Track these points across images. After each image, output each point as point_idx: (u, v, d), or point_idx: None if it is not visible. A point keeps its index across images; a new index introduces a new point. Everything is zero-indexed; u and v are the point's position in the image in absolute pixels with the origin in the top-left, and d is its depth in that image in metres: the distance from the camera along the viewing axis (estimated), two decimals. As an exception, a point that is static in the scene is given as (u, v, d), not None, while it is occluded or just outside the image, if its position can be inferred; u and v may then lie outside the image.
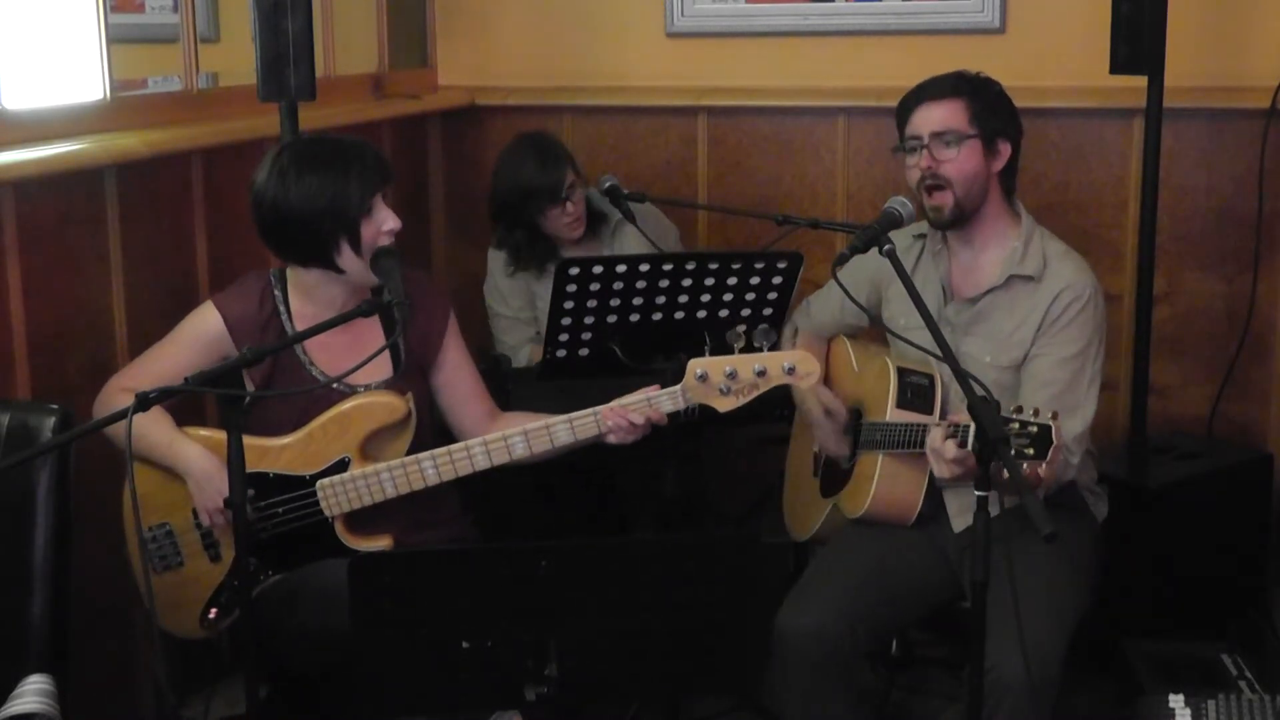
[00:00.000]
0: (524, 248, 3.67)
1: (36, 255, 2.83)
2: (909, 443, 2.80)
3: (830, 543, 3.02)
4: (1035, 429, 2.35)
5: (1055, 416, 2.36)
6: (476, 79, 4.44)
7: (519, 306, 3.74)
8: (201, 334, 2.78)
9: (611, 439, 2.73)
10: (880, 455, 2.88)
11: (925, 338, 2.55)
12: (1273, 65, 3.72)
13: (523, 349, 3.72)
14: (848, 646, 2.74)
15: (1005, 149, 2.90)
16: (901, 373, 2.90)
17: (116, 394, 2.71)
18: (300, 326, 2.76)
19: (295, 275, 2.81)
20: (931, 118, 2.86)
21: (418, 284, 2.89)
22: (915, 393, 2.88)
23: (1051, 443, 2.34)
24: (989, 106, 2.88)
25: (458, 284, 4.37)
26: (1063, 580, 2.75)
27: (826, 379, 3.18)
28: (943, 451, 2.54)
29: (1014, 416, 2.38)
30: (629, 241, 3.68)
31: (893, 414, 2.86)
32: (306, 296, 2.80)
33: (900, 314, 2.96)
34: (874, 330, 3.23)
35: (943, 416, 2.84)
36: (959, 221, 2.88)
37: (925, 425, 2.76)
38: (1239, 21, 3.80)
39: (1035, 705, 2.57)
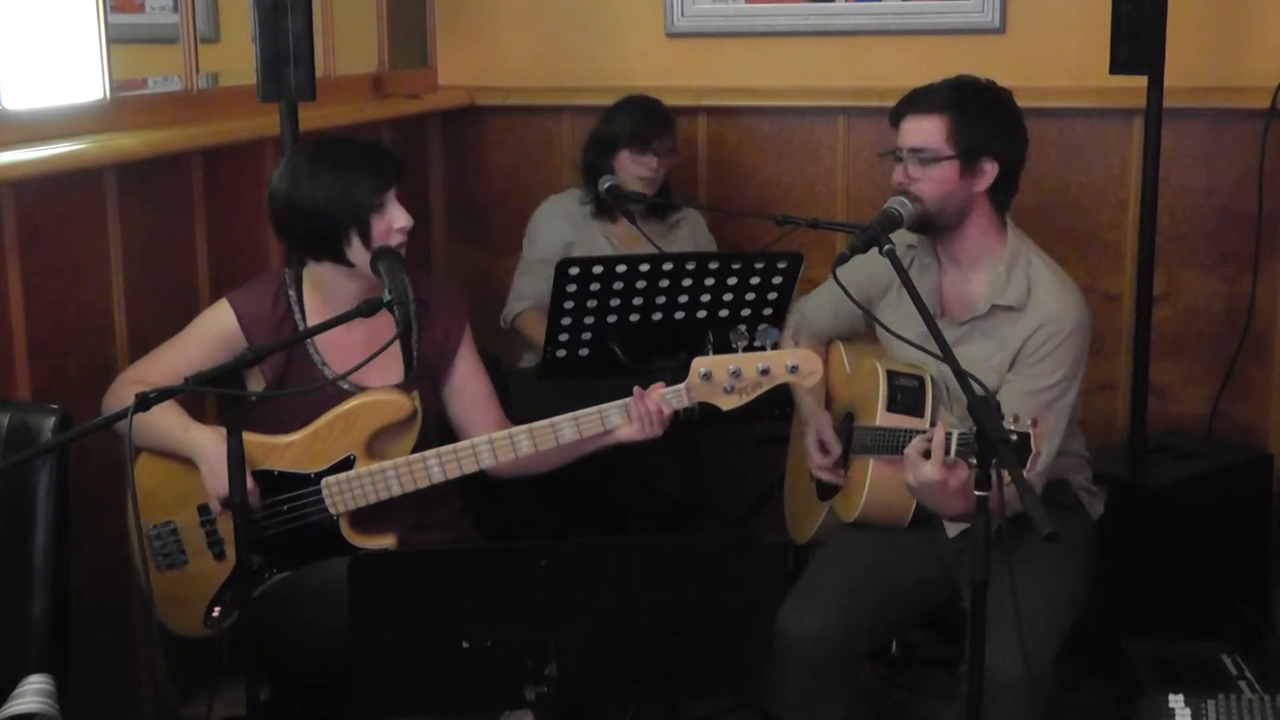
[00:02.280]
0: (618, 196, 3.73)
1: (36, 255, 2.84)
2: (899, 448, 2.79)
3: (828, 544, 3.02)
4: (1015, 436, 2.32)
5: (1035, 424, 2.34)
6: (476, 79, 4.45)
7: (543, 256, 3.77)
8: (215, 331, 2.80)
9: (629, 432, 2.73)
10: (871, 460, 2.88)
11: (912, 348, 2.54)
12: (1273, 65, 3.72)
13: (522, 303, 3.79)
14: (848, 648, 2.74)
15: (990, 169, 2.80)
16: (891, 375, 2.88)
17: (127, 387, 2.71)
18: (313, 324, 2.77)
19: (311, 273, 2.82)
20: (911, 132, 2.80)
21: (436, 291, 2.92)
22: (905, 395, 2.86)
23: (1031, 450, 2.31)
24: (975, 123, 2.78)
25: (457, 284, 4.37)
26: (1058, 579, 2.75)
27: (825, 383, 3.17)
28: (917, 464, 2.53)
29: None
30: (682, 234, 3.84)
31: (883, 417, 2.85)
32: (321, 294, 2.81)
33: (891, 323, 2.92)
34: (868, 334, 3.23)
35: (934, 420, 2.84)
36: (926, 229, 2.84)
37: (914, 431, 2.76)
38: (1239, 21, 3.80)
39: (1030, 704, 2.57)
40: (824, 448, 3.04)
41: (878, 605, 2.81)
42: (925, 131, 2.79)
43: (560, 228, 3.82)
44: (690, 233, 3.88)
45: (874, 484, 2.87)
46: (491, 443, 2.71)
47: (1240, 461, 3.71)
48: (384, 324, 2.73)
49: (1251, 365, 3.85)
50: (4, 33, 2.93)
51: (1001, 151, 2.81)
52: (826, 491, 3.07)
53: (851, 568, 2.86)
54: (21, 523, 2.34)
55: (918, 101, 2.83)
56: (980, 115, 2.80)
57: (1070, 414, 2.83)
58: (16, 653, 2.31)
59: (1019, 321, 2.81)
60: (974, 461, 2.25)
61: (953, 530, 2.88)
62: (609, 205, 3.75)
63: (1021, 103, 2.93)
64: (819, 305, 3.19)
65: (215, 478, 2.66)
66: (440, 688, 2.16)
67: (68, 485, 2.37)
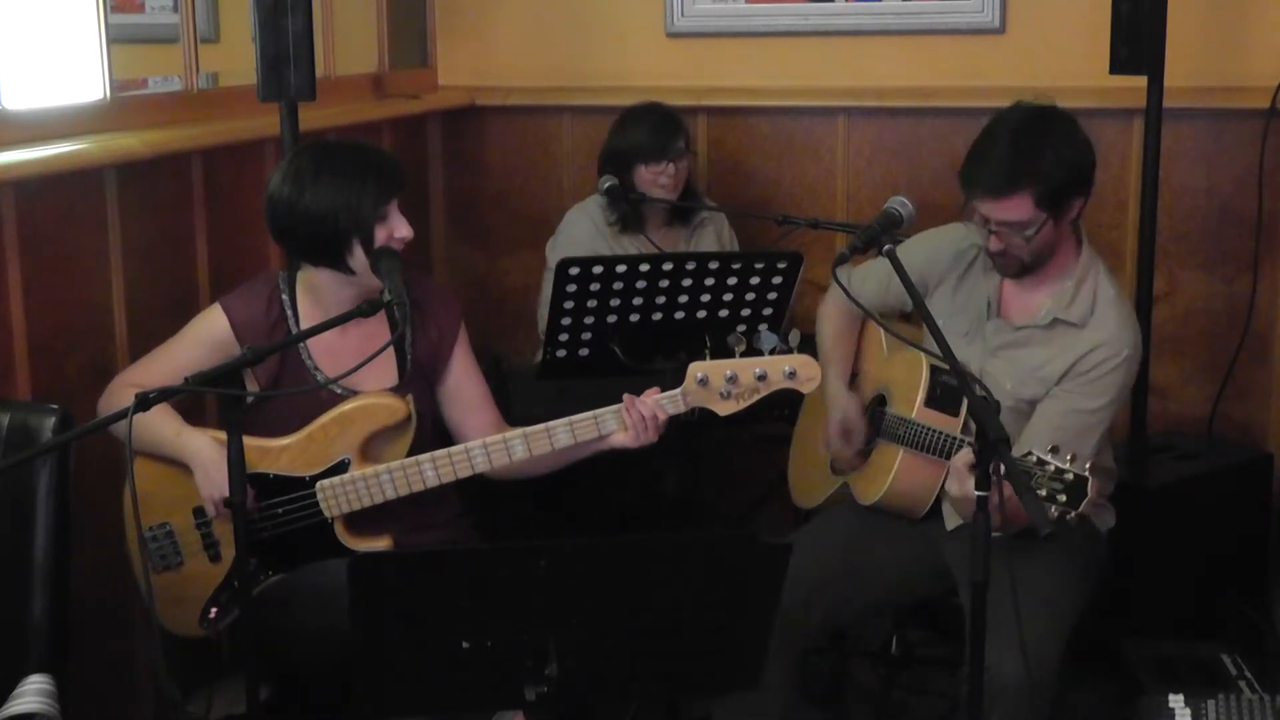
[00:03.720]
0: (618, 196, 3.69)
1: (36, 255, 2.84)
2: (934, 449, 2.79)
3: (812, 521, 3.04)
4: (1071, 478, 2.29)
5: (1092, 469, 2.30)
6: (476, 79, 4.45)
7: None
8: (208, 335, 2.79)
9: (623, 438, 2.72)
10: (901, 450, 2.88)
11: (957, 341, 2.51)
12: (1273, 65, 3.72)
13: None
14: (798, 616, 2.74)
15: (1079, 201, 2.76)
16: (935, 371, 2.87)
17: (122, 390, 2.71)
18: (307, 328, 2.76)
19: (305, 277, 2.81)
20: (996, 211, 2.71)
21: (430, 292, 2.90)
22: (945, 392, 2.85)
23: (1086, 495, 2.28)
24: (1057, 179, 2.69)
25: (457, 284, 4.38)
26: (1060, 582, 2.75)
27: (856, 357, 3.16)
28: (963, 478, 2.51)
29: (1050, 459, 2.32)
30: (707, 236, 3.82)
31: (919, 412, 2.85)
32: (315, 299, 2.80)
33: (941, 313, 2.86)
34: (911, 316, 3.19)
35: (968, 421, 2.83)
36: (1028, 273, 2.82)
37: (955, 438, 2.75)
38: (1239, 21, 3.80)
39: (1032, 705, 2.57)
40: (848, 436, 3.03)
41: (839, 581, 2.82)
42: (1015, 208, 2.70)
43: (589, 241, 3.74)
44: (715, 232, 3.86)
45: (900, 474, 2.87)
46: (486, 447, 2.70)
47: (1240, 461, 3.71)
48: (377, 327, 2.74)
49: (1251, 365, 3.85)
50: (4, 33, 2.93)
51: (1084, 183, 2.77)
52: (841, 466, 3.07)
53: (823, 547, 2.87)
54: (21, 523, 2.34)
55: (991, 183, 2.70)
56: (1056, 165, 2.70)
57: (1102, 437, 2.82)
58: (16, 653, 2.31)
59: (1078, 337, 2.79)
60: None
61: (951, 523, 2.88)
62: (634, 219, 3.72)
63: (1022, 103, 2.92)
64: (865, 278, 3.12)
65: (209, 481, 2.66)
66: (440, 688, 2.16)
67: (68, 485, 2.37)
